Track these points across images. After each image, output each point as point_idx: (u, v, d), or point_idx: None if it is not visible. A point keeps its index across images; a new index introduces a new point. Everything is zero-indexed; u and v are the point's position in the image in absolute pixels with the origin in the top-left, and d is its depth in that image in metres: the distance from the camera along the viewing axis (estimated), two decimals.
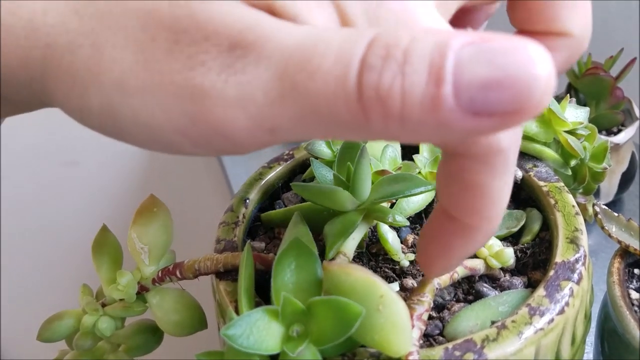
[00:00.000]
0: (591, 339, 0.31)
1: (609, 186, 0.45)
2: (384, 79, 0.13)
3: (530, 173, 0.27)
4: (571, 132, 0.27)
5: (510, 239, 0.26)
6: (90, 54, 0.15)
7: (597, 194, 0.45)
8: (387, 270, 0.25)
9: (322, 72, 0.13)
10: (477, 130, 0.13)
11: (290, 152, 0.31)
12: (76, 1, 0.16)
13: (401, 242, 0.26)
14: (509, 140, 0.16)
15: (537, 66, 0.12)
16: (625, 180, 0.45)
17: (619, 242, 0.28)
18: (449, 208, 0.18)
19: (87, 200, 0.84)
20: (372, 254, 0.26)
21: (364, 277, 0.18)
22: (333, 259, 0.22)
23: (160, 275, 0.24)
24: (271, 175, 0.30)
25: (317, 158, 0.29)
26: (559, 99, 0.29)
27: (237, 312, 0.21)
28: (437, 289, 0.21)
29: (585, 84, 0.42)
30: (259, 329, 0.18)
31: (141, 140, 0.16)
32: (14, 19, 0.16)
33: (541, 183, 0.26)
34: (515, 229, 0.25)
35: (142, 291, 0.25)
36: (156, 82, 0.15)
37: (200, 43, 0.14)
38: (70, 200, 0.85)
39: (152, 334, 0.27)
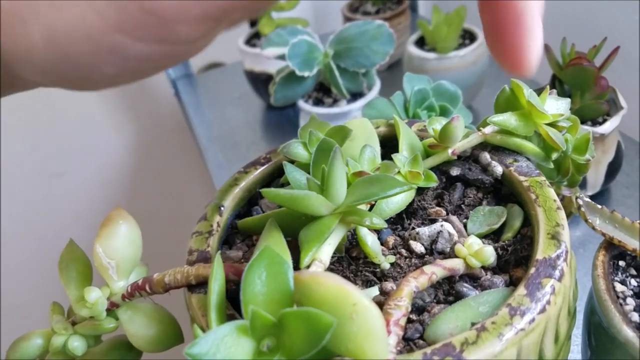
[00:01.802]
0: (579, 331, 0.30)
1: (596, 177, 0.44)
2: None
3: (511, 168, 0.26)
4: (552, 125, 0.27)
5: (492, 236, 0.25)
6: None
7: (583, 185, 0.44)
8: (367, 274, 0.24)
9: None
10: None
11: (267, 156, 0.30)
12: None
13: (382, 244, 0.26)
14: None
15: None
16: (612, 171, 0.44)
17: (603, 234, 0.27)
18: None
19: (73, 210, 0.83)
20: (352, 258, 0.25)
21: (336, 285, 0.18)
22: (308, 266, 0.22)
23: (129, 290, 0.23)
24: (247, 180, 0.29)
25: (293, 161, 0.28)
26: (541, 90, 0.28)
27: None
28: (414, 292, 0.21)
29: (569, 74, 0.42)
30: (227, 345, 0.17)
31: (87, 59, 0.16)
32: None
33: (522, 178, 0.25)
34: (497, 226, 0.25)
35: (112, 307, 0.24)
36: None
37: None
38: (57, 211, 0.84)
39: (128, 351, 0.26)
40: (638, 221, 0.28)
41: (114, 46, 0.16)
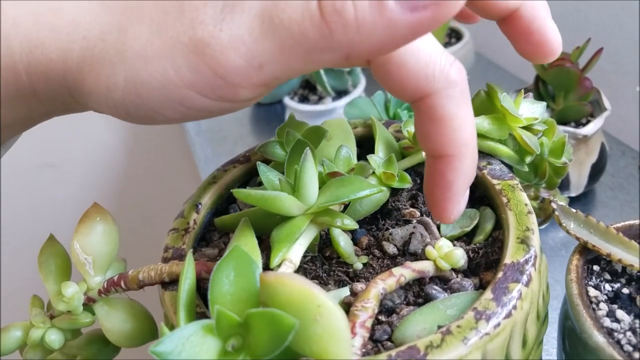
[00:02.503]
0: (556, 334, 0.30)
1: (579, 178, 0.44)
2: None
3: (484, 171, 0.26)
4: (527, 128, 0.27)
5: (465, 238, 0.25)
6: (117, 37, 0.19)
7: (567, 186, 0.45)
8: (340, 274, 0.25)
9: (291, 3, 0.17)
10: (418, 23, 0.17)
11: (247, 154, 0.30)
12: (109, 2, 0.20)
13: (356, 244, 0.26)
14: (457, 75, 0.21)
15: None
16: (596, 172, 0.45)
17: (577, 238, 0.27)
18: (432, 149, 0.22)
19: (64, 202, 0.83)
20: (326, 257, 0.26)
21: (301, 287, 0.18)
22: (279, 266, 0.22)
23: (105, 286, 0.24)
24: (226, 178, 0.29)
25: (269, 161, 0.28)
26: (527, 90, 0.28)
27: None
28: (382, 294, 0.21)
29: (553, 75, 0.42)
30: (193, 344, 0.18)
31: (158, 105, 0.19)
32: (59, 21, 0.20)
33: (494, 181, 0.25)
34: (469, 229, 0.25)
35: (89, 302, 0.24)
36: (168, 45, 0.18)
37: (200, 8, 0.18)
38: (47, 202, 0.84)
39: (105, 345, 0.27)
40: (613, 225, 0.28)
41: (183, 99, 0.19)
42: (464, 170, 0.22)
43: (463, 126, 0.21)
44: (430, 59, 0.20)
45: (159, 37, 0.19)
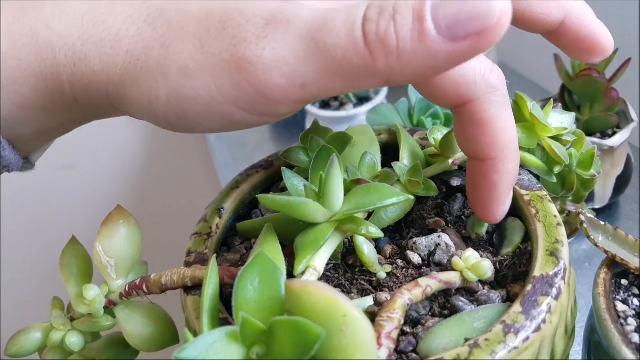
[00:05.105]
0: (580, 348, 0.30)
1: (604, 190, 0.43)
2: (381, 25, 0.17)
3: None
4: (556, 138, 0.26)
5: (492, 249, 0.25)
6: (159, 52, 0.19)
7: (591, 199, 0.44)
8: (363, 282, 0.24)
9: (336, 29, 0.17)
10: (459, 53, 0.16)
11: (269, 160, 0.30)
12: (151, 16, 0.20)
13: (379, 253, 0.26)
14: (497, 79, 0.21)
15: None
16: (621, 184, 0.44)
17: (606, 252, 0.27)
18: (475, 153, 0.22)
19: (83, 204, 0.83)
20: (349, 266, 0.25)
21: (326, 296, 0.18)
22: (303, 273, 0.22)
23: (127, 289, 0.24)
24: (248, 183, 0.29)
25: (293, 166, 0.28)
26: (546, 102, 0.28)
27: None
28: (408, 304, 0.21)
29: (579, 85, 0.41)
30: (217, 351, 0.17)
31: (199, 117, 0.20)
32: (104, 34, 0.20)
33: (523, 192, 0.25)
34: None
35: (110, 305, 0.24)
36: (210, 62, 0.19)
37: (242, 25, 0.18)
38: (67, 204, 0.85)
39: (125, 348, 0.26)
40: None
41: (224, 113, 0.19)
42: (507, 171, 0.22)
43: (505, 129, 0.21)
44: (471, 66, 0.20)
45: (201, 53, 0.19)
